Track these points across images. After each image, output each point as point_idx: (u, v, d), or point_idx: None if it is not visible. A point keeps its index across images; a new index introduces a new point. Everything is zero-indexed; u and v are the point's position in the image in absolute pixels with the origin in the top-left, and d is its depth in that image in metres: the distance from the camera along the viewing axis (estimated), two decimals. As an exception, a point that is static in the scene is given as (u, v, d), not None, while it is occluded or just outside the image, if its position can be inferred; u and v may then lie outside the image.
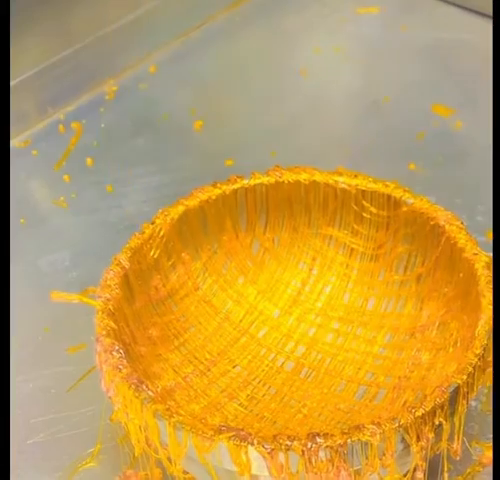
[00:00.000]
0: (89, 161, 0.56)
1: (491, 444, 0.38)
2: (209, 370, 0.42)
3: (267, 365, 0.42)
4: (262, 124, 0.58)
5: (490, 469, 0.38)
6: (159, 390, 0.38)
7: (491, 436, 0.39)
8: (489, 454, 0.38)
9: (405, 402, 0.38)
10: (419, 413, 0.33)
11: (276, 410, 0.40)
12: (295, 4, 0.68)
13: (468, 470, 0.38)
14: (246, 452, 0.32)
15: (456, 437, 0.35)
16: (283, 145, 0.56)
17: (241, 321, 0.44)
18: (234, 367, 0.42)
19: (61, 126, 0.59)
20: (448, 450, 0.35)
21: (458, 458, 0.36)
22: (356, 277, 0.44)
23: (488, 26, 0.64)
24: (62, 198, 0.54)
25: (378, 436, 0.32)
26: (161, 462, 0.36)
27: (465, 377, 0.34)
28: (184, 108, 0.60)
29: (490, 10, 0.63)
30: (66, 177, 0.56)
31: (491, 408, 0.39)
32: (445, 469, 0.35)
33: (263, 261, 0.45)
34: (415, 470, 0.34)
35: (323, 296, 0.44)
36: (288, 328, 0.44)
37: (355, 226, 0.43)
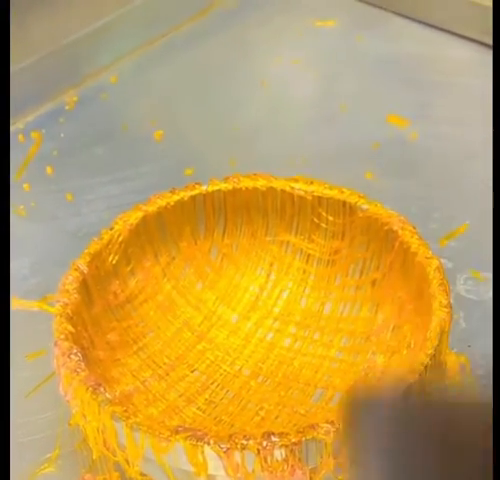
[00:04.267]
0: (49, 170, 0.57)
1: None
2: (167, 374, 0.42)
3: (225, 370, 0.43)
4: (222, 133, 0.59)
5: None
6: (117, 394, 0.39)
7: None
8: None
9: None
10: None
11: (234, 413, 0.41)
12: (257, 17, 0.69)
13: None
14: (202, 452, 0.33)
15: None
16: (242, 154, 0.57)
17: (200, 326, 0.44)
18: (192, 372, 0.42)
19: (21, 135, 0.59)
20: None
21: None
22: (313, 282, 0.45)
23: (442, 39, 0.65)
24: (22, 207, 0.55)
25: (332, 434, 0.33)
26: (119, 465, 0.36)
27: (417, 376, 0.34)
28: (145, 118, 0.61)
29: (443, 24, 0.65)
30: (26, 186, 0.56)
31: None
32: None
33: (221, 267, 0.45)
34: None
35: (281, 301, 0.45)
36: (246, 333, 0.44)
37: (311, 234, 0.44)
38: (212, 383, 0.42)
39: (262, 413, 0.40)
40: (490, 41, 0.59)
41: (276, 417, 0.40)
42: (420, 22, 0.66)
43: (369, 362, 0.41)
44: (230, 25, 0.68)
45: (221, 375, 0.42)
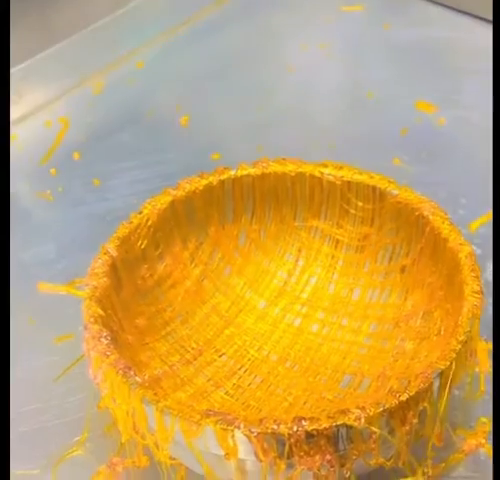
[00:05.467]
0: (76, 155, 0.57)
1: (473, 432, 0.39)
2: (195, 359, 0.42)
3: (252, 355, 0.43)
4: (248, 119, 0.59)
5: (472, 457, 0.39)
6: (146, 378, 0.39)
7: (473, 424, 0.40)
8: (471, 442, 0.39)
9: (390, 390, 0.39)
10: (403, 398, 0.33)
11: (262, 398, 0.41)
12: (283, 2, 0.68)
13: (451, 457, 0.39)
14: (233, 436, 0.33)
15: (439, 423, 0.35)
16: (269, 140, 0.56)
17: (227, 311, 0.44)
18: (220, 356, 0.42)
19: (48, 121, 0.59)
20: (431, 437, 0.35)
21: (441, 445, 0.36)
22: (341, 268, 0.44)
23: (470, 24, 0.65)
24: (48, 191, 0.55)
25: (363, 420, 0.32)
26: (148, 449, 0.36)
27: (448, 363, 0.34)
28: (171, 103, 0.61)
29: (471, 9, 0.64)
30: (53, 171, 0.56)
31: (475, 397, 0.39)
32: (428, 455, 0.36)
33: (250, 252, 0.45)
34: (399, 455, 0.35)
35: (309, 287, 0.45)
36: (274, 318, 0.44)
37: (340, 220, 0.44)
38: (240, 368, 0.42)
39: (290, 399, 0.40)
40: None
41: (304, 402, 0.40)
42: (448, 7, 0.65)
43: (398, 348, 0.41)
44: (256, 10, 0.68)
45: (249, 360, 0.42)
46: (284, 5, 0.68)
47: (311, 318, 0.44)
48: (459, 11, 0.65)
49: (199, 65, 0.64)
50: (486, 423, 0.39)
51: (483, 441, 0.39)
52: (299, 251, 0.45)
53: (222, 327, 0.43)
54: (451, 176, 0.54)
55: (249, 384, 0.41)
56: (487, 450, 0.39)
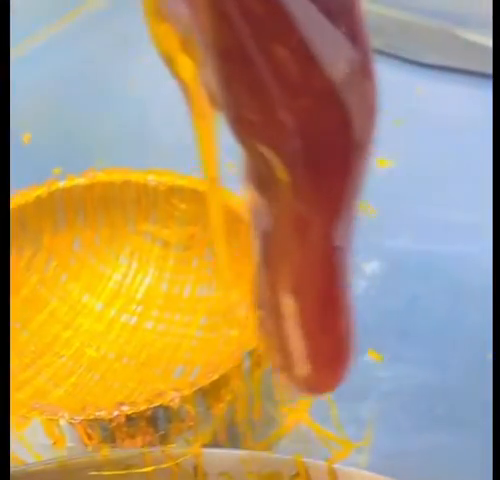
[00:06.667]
0: None
1: (295, 408, 0.42)
2: (34, 363, 0.44)
3: (90, 355, 0.45)
4: (88, 133, 0.61)
5: (293, 433, 0.42)
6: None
7: (295, 402, 0.43)
8: (293, 417, 0.42)
9: (202, 371, 0.42)
10: (215, 377, 0.36)
11: (99, 394, 0.43)
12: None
13: (273, 433, 0.42)
14: (58, 425, 0.35)
15: (257, 400, 0.39)
16: (109, 152, 0.59)
17: (65, 315, 0.46)
18: (60, 358, 0.45)
19: None
20: (247, 413, 0.38)
21: (259, 421, 0.39)
22: (172, 267, 0.47)
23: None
24: None
25: (178, 400, 0.35)
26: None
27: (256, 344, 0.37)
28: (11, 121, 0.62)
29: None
30: None
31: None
32: (245, 430, 0.39)
33: (85, 257, 0.48)
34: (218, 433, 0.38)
35: (143, 287, 0.48)
36: (110, 319, 0.47)
37: (168, 222, 0.47)
38: (79, 368, 0.44)
39: (126, 391, 0.43)
40: None
41: (139, 394, 0.43)
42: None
43: (225, 337, 0.44)
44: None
45: (87, 360, 0.45)
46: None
47: (146, 316, 0.47)
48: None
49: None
50: (307, 399, 0.43)
51: (305, 415, 0.42)
52: (132, 254, 0.48)
53: (60, 331, 0.46)
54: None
55: (87, 382, 0.44)
56: (308, 423, 0.42)
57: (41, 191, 0.45)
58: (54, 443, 0.35)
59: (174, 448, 0.33)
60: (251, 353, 0.37)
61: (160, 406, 0.35)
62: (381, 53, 0.66)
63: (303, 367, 0.24)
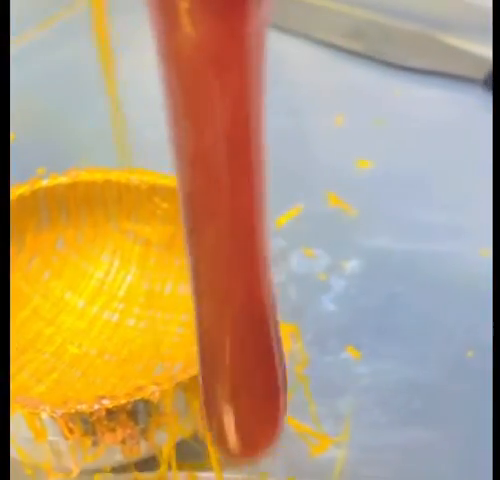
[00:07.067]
0: None
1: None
2: (17, 359, 0.45)
3: (72, 352, 0.46)
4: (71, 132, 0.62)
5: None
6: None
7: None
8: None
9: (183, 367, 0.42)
10: (194, 372, 0.37)
11: (80, 390, 0.44)
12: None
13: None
14: (40, 418, 0.35)
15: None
16: (94, 152, 0.59)
17: (48, 313, 0.47)
18: (42, 355, 0.45)
19: None
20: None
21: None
22: (154, 265, 0.48)
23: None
24: None
25: (157, 394, 0.36)
26: None
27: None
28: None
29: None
30: None
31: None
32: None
33: (67, 255, 0.48)
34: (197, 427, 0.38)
35: (125, 285, 0.48)
36: (93, 316, 0.47)
37: (150, 221, 0.48)
38: (61, 364, 0.45)
39: (108, 387, 0.44)
40: None
41: (121, 389, 0.43)
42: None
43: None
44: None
45: (69, 356, 0.45)
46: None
47: (127, 313, 0.47)
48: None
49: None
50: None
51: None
52: (114, 252, 0.49)
53: (43, 328, 0.46)
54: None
55: (69, 378, 0.44)
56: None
57: (24, 189, 0.46)
58: (36, 437, 0.36)
59: None
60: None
61: (140, 400, 0.36)
62: (363, 56, 0.67)
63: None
